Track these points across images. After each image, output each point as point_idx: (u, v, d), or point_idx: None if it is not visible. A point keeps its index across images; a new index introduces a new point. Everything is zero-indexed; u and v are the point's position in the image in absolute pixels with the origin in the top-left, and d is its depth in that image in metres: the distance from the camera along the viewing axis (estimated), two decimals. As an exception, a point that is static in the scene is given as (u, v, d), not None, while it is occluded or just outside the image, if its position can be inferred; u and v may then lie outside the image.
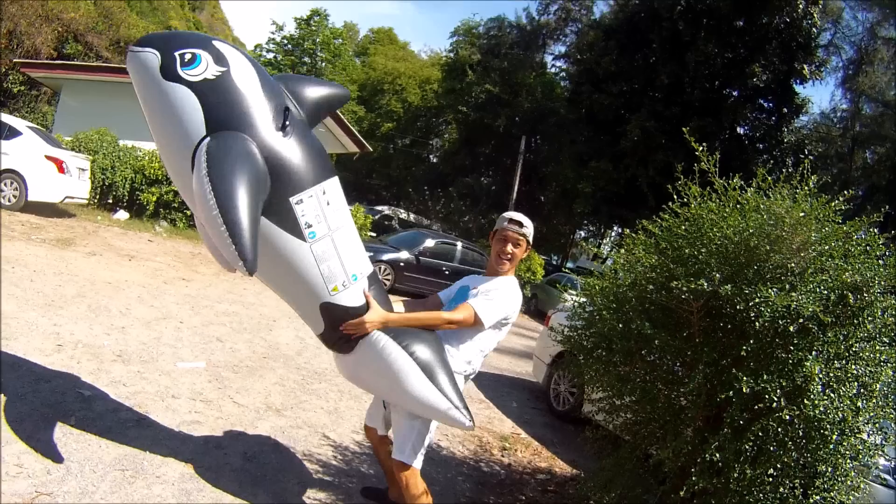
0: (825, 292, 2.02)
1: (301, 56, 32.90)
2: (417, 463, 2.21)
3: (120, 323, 4.18)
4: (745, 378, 1.95)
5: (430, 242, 10.98)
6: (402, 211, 26.16)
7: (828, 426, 1.95)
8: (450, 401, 2.11)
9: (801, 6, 16.04)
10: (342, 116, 14.08)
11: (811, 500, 2.01)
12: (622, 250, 2.81)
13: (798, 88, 17.97)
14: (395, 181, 31.42)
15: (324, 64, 33.03)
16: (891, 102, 19.01)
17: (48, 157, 7.83)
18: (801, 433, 2.01)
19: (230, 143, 1.80)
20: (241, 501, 2.40)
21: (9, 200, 7.62)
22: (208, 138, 1.80)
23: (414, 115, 31.60)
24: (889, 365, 2.04)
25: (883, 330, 2.08)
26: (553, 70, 26.21)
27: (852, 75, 19.73)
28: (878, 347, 2.05)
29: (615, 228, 22.16)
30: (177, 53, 1.83)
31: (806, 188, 2.25)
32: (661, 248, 2.44)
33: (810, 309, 1.92)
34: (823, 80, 19.03)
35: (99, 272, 5.58)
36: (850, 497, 2.05)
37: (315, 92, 2.19)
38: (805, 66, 16.95)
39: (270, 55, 33.00)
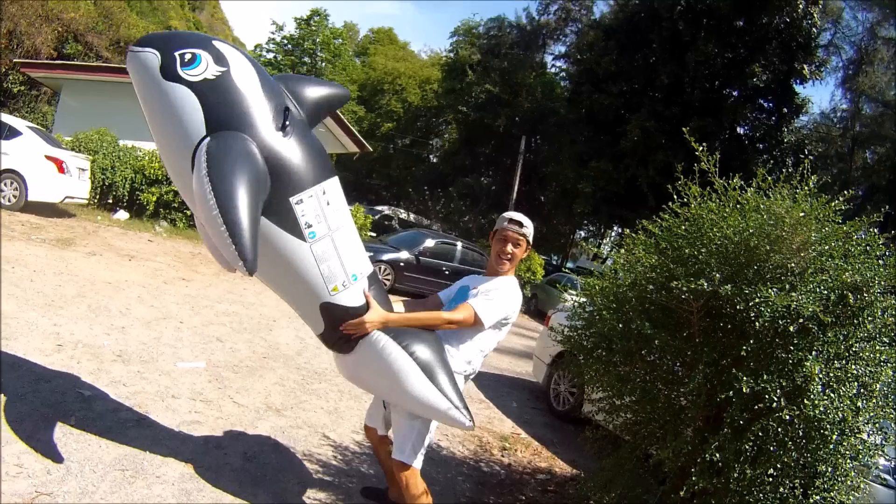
0: (825, 292, 2.02)
1: (301, 56, 32.90)
2: (417, 463, 2.21)
3: (120, 323, 4.18)
4: (745, 378, 1.95)
5: (430, 242, 10.98)
6: (402, 211, 26.16)
7: (828, 426, 1.95)
8: (450, 401, 2.11)
9: (801, 6, 16.04)
10: (342, 116, 14.08)
11: (811, 500, 2.01)
12: (622, 250, 2.81)
13: (798, 88, 18.02)
14: (395, 181, 31.42)
15: (324, 64, 33.03)
16: (891, 102, 19.01)
17: (48, 157, 7.83)
18: (801, 433, 2.01)
19: (230, 143, 1.80)
20: (241, 501, 2.40)
21: (9, 200, 7.62)
22: (208, 138, 1.80)
23: (414, 115, 31.60)
24: (889, 365, 2.04)
25: (883, 330, 2.08)
26: (553, 70, 26.27)
27: (852, 75, 19.73)
28: (878, 347, 2.05)
29: (615, 228, 22.17)
30: (177, 53, 1.83)
31: (806, 188, 2.25)
32: (661, 248, 2.44)
33: (810, 309, 1.92)
34: (823, 80, 19.08)
35: (99, 272, 5.59)
36: (850, 497, 2.05)
37: (315, 92, 2.19)
38: (805, 66, 16.95)
39: (270, 55, 33.00)
